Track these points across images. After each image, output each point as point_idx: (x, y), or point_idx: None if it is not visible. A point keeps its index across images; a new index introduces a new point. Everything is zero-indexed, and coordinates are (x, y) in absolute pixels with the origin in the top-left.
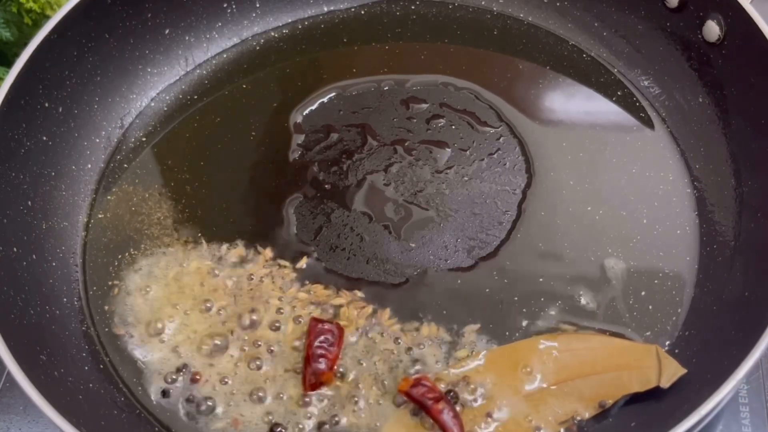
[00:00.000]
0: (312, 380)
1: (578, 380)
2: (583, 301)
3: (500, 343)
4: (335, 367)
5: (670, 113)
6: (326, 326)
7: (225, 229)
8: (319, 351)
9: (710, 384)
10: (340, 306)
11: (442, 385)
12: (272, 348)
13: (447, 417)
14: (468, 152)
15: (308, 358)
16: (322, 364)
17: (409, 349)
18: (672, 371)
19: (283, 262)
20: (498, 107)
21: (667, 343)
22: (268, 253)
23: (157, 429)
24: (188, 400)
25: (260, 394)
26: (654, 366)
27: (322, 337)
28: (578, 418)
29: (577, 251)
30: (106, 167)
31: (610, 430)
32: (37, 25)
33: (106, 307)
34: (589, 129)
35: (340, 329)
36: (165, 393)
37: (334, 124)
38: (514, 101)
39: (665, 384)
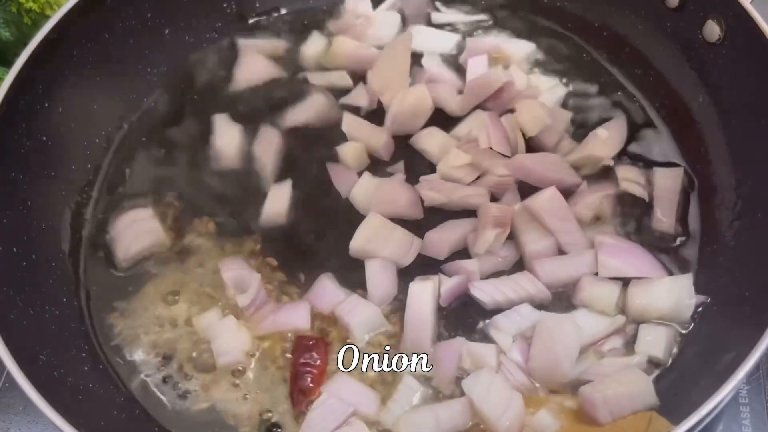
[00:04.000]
0: (301, 398)
1: None
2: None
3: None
4: (322, 382)
5: (670, 113)
6: (311, 342)
7: (225, 227)
8: (305, 368)
9: (710, 384)
10: None
11: None
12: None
13: None
14: None
15: (294, 376)
16: (308, 381)
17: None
18: (659, 428)
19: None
20: None
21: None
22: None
23: (157, 429)
24: (181, 396)
25: (251, 388)
26: (644, 427)
27: (306, 354)
28: None
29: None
30: (106, 167)
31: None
32: (37, 25)
33: (106, 307)
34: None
35: (325, 344)
36: (165, 379)
37: None
38: None
39: None
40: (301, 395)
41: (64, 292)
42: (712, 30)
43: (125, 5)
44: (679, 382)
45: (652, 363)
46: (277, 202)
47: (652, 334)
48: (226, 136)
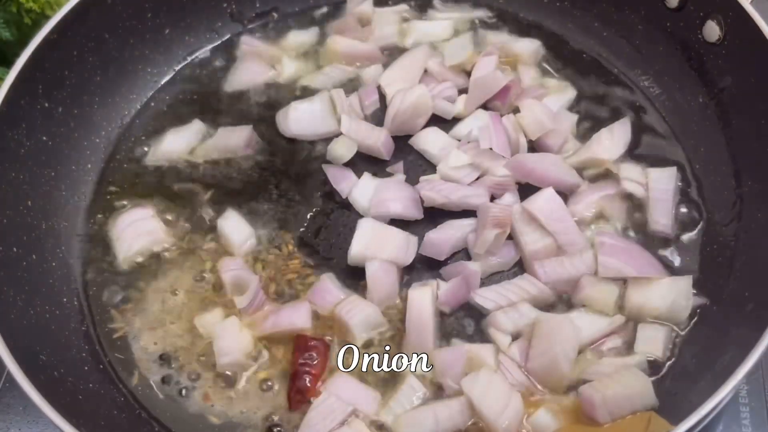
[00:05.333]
0: (298, 398)
1: None
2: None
3: None
4: (320, 382)
5: (670, 113)
6: (312, 342)
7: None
8: (304, 368)
9: (710, 384)
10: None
11: None
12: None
13: None
14: None
15: (293, 376)
16: (306, 381)
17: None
18: (658, 428)
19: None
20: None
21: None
22: (261, 246)
23: (157, 429)
24: (181, 396)
25: (251, 388)
26: (643, 427)
27: (306, 354)
28: None
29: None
30: (106, 167)
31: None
32: (37, 25)
33: (106, 307)
34: (589, 129)
35: (325, 344)
36: (165, 379)
37: None
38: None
39: None
40: (298, 395)
41: (64, 292)
42: (712, 30)
43: (125, 5)
44: (679, 382)
45: (652, 363)
46: (234, 235)
47: (651, 334)
48: (181, 133)
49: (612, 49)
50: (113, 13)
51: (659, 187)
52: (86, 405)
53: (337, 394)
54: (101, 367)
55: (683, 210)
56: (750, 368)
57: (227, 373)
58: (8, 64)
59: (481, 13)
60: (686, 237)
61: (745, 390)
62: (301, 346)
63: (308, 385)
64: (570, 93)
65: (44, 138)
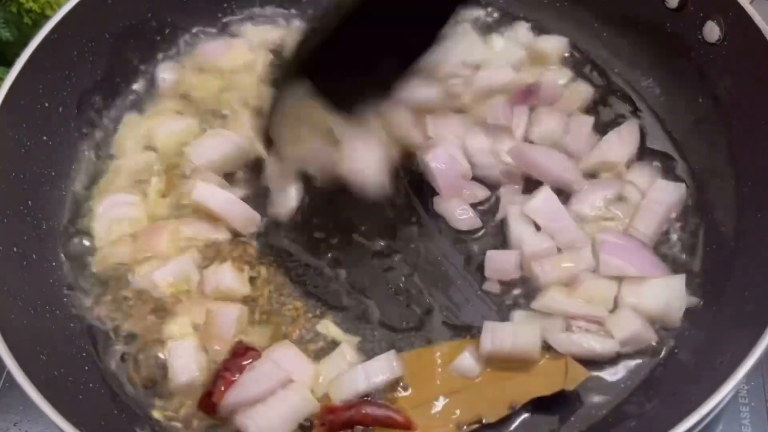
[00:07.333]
0: (205, 400)
1: (486, 385)
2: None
3: None
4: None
5: (670, 113)
6: (248, 353)
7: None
8: (226, 373)
9: (710, 384)
10: None
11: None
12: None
13: (378, 412)
14: None
15: (215, 375)
16: (220, 386)
17: None
18: (576, 375)
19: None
20: None
21: (669, 342)
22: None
23: (157, 428)
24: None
25: None
26: (561, 373)
27: (235, 361)
28: (484, 420)
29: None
30: (106, 167)
31: (609, 429)
32: (37, 25)
33: (106, 306)
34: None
35: (257, 356)
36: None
37: None
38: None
39: (570, 387)
40: (206, 397)
41: (64, 292)
42: (712, 30)
43: (125, 5)
44: (679, 382)
45: (651, 356)
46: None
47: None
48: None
49: (612, 49)
50: (113, 13)
51: (655, 197)
52: (87, 405)
53: (276, 360)
54: (101, 366)
55: (683, 210)
56: (750, 368)
57: None
58: (8, 64)
59: (480, 13)
60: (686, 237)
61: (745, 390)
62: (238, 352)
63: (221, 390)
64: (586, 91)
65: (44, 138)
